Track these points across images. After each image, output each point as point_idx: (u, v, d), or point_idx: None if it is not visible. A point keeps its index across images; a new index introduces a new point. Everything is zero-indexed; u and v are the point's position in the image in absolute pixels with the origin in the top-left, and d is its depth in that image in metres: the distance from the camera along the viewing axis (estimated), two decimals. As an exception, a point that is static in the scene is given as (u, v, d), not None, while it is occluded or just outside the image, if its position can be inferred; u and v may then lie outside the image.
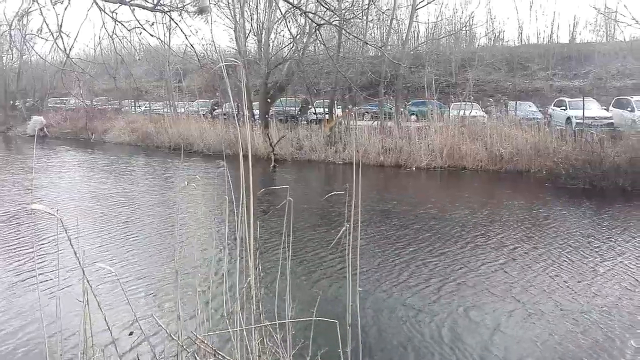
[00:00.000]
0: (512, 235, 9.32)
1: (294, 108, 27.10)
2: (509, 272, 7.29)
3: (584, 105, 19.32)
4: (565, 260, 7.80)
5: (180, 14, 4.41)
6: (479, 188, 15.00)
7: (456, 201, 12.45)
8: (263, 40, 24.45)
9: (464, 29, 33.68)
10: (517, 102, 23.03)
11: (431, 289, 6.66)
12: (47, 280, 6.27)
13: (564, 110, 21.21)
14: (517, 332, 5.42)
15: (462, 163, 17.82)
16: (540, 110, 23.51)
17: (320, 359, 2.97)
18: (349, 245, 2.55)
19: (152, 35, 4.58)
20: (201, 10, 4.06)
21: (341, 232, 2.46)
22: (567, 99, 22.17)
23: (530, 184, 15.29)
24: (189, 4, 4.34)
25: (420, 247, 8.56)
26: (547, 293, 6.49)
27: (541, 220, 10.56)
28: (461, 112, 20.47)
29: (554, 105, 22.85)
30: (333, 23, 6.81)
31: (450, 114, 20.84)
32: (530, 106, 23.77)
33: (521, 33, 39.32)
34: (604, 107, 21.10)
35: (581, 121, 18.65)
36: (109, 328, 2.44)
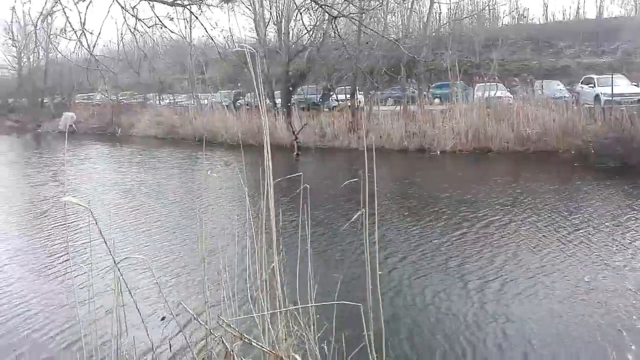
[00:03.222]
0: (541, 217, 9.19)
1: (315, 95, 27.07)
2: (537, 254, 7.22)
3: (612, 81, 18.79)
4: (598, 241, 7.67)
5: (200, 7, 4.46)
6: (506, 170, 14.79)
7: (482, 184, 12.30)
8: (283, 28, 24.41)
9: (486, 8, 32.98)
10: (544, 80, 22.51)
11: (454, 270, 6.66)
12: (79, 268, 6.47)
13: (592, 87, 20.64)
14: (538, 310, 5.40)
15: (488, 145, 17.53)
16: (567, 89, 22.94)
17: (345, 341, 3.03)
18: (366, 229, 2.59)
19: (172, 32, 4.66)
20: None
21: (355, 216, 2.50)
22: (595, 76, 21.55)
23: (559, 164, 14.98)
24: (207, -4, 4.39)
25: (443, 230, 8.52)
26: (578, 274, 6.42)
27: (570, 201, 10.38)
28: (486, 93, 20.12)
29: (582, 83, 22.25)
30: (349, 15, 6.72)
31: (475, 95, 20.48)
32: (558, 85, 23.21)
33: (546, 10, 38.45)
34: (633, 83, 20.48)
35: (610, 98, 18.14)
36: (140, 314, 2.54)
